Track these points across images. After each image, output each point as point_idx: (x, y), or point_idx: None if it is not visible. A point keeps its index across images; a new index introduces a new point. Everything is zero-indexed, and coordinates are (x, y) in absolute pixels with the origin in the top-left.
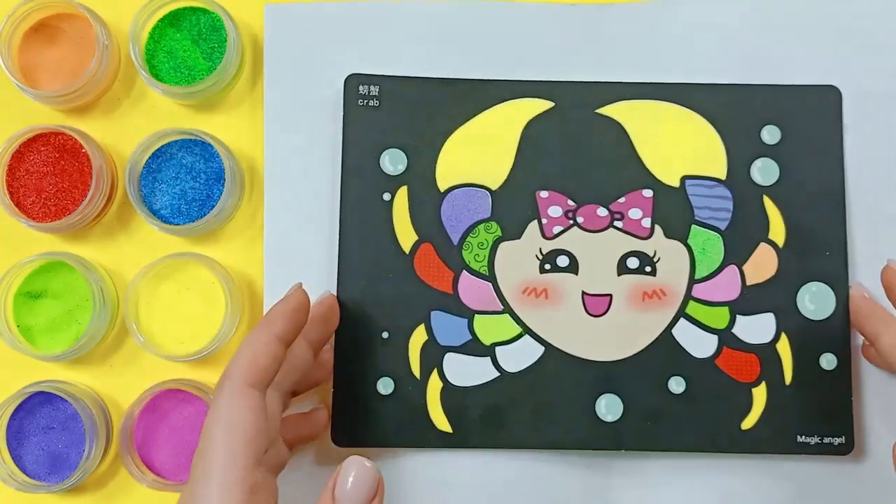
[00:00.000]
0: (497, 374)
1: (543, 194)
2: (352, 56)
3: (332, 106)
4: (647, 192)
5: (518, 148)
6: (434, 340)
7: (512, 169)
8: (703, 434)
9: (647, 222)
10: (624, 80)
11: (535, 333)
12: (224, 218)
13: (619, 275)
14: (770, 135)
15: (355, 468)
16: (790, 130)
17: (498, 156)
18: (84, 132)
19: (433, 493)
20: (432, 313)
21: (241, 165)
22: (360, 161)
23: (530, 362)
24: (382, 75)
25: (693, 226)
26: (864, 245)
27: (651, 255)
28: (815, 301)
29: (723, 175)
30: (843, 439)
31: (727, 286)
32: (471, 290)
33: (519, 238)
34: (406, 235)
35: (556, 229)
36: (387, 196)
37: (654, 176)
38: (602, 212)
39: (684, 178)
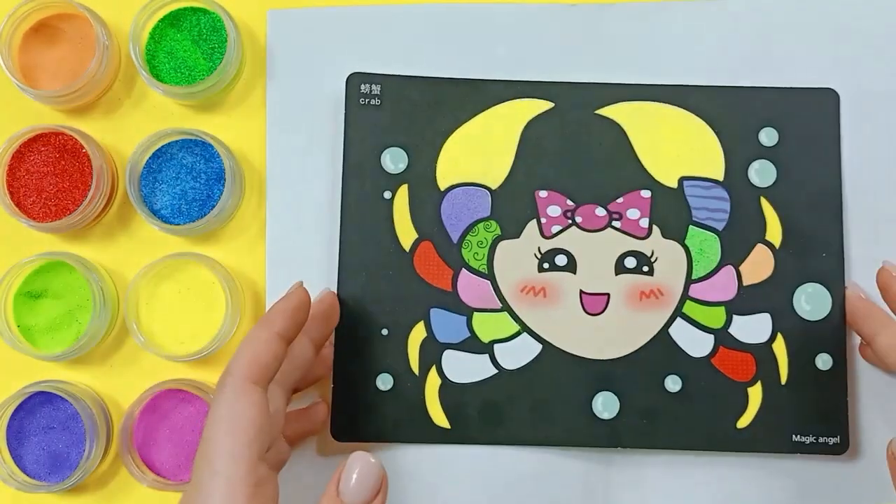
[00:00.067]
0: (495, 371)
1: (543, 194)
2: (353, 57)
3: (334, 106)
4: (646, 193)
5: (518, 148)
6: (433, 337)
7: (512, 168)
8: (698, 432)
9: (644, 222)
10: (623, 82)
11: (533, 331)
12: (224, 218)
13: (616, 274)
14: (768, 137)
15: (359, 464)
16: (788, 133)
17: (498, 155)
18: (84, 132)
19: (432, 488)
20: (432, 311)
21: (242, 165)
22: (361, 159)
23: (528, 360)
24: (384, 74)
25: (690, 226)
26: (861, 246)
27: (649, 254)
28: (811, 302)
29: (720, 176)
30: (837, 439)
31: (724, 286)
32: (470, 288)
33: (518, 237)
34: (406, 233)
35: (555, 229)
36: (387, 194)
37: (652, 177)
38: (600, 212)
39: (682, 179)
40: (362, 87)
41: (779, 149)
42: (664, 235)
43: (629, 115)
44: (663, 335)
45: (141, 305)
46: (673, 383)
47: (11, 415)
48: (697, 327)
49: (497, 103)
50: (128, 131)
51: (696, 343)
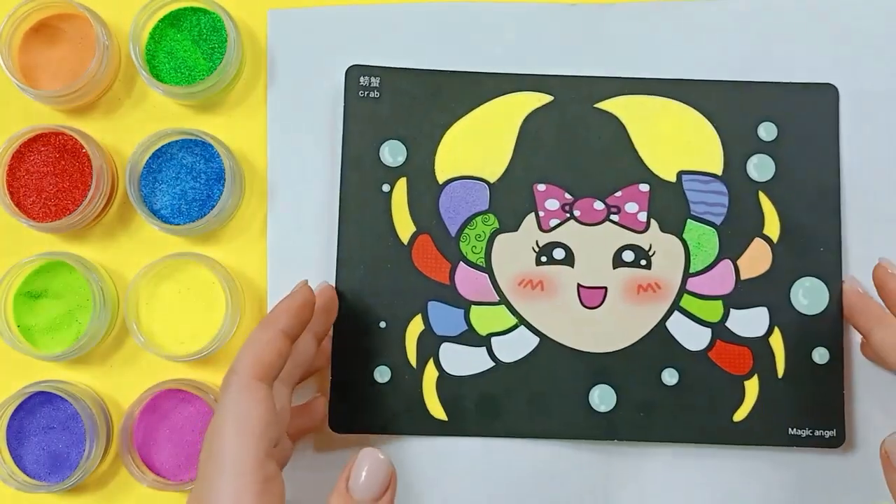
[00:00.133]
0: (492, 364)
1: (541, 187)
2: (354, 57)
3: (334, 104)
4: (644, 187)
5: (516, 141)
6: (431, 330)
7: (510, 162)
8: (695, 426)
9: (643, 216)
10: (621, 74)
11: (530, 325)
12: (224, 218)
13: (614, 268)
14: (766, 131)
15: (369, 461)
16: (787, 127)
17: (496, 149)
18: (84, 132)
19: (430, 480)
20: (429, 304)
21: (242, 165)
22: (360, 152)
23: (525, 353)
24: (383, 67)
25: (689, 220)
26: (859, 241)
27: (646, 248)
28: (808, 296)
29: (719, 170)
30: (833, 432)
31: (721, 280)
32: (467, 281)
33: (516, 230)
34: (404, 227)
35: (553, 222)
36: (386, 187)
37: (650, 170)
38: (598, 205)
39: (681, 174)
40: (361, 79)
41: (778, 143)
42: (662, 229)
43: (628, 109)
44: (660, 329)
45: (141, 305)
46: (670, 376)
47: (11, 415)
48: (695, 321)
49: (496, 96)
50: (128, 131)
51: (693, 336)
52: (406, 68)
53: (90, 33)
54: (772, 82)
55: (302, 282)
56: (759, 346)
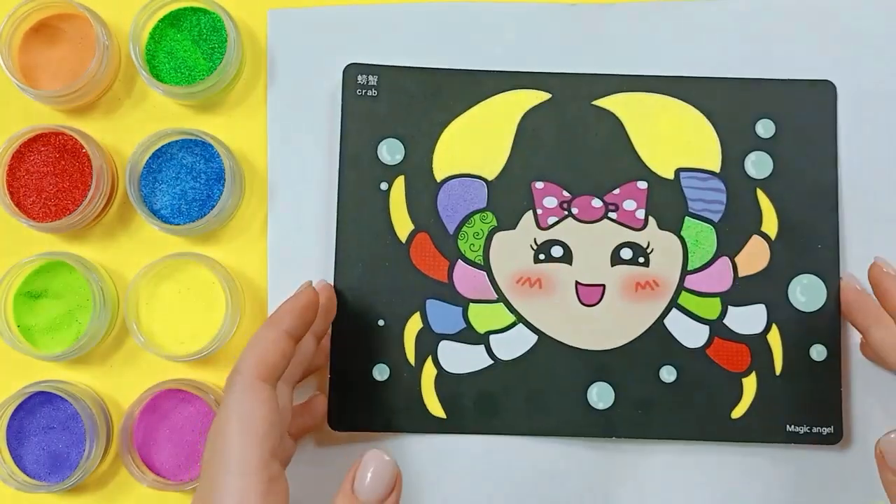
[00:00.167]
0: (490, 361)
1: (539, 185)
2: (354, 57)
3: (334, 104)
4: (642, 184)
5: (514, 139)
6: (429, 328)
7: (508, 160)
8: (693, 423)
9: (641, 214)
10: (621, 73)
11: (528, 322)
12: (224, 218)
13: (612, 265)
14: (764, 128)
15: (374, 462)
16: (784, 124)
17: (494, 146)
18: (84, 132)
19: (429, 478)
20: (427, 302)
21: (242, 165)
22: (358, 151)
23: (523, 350)
24: (381, 65)
25: (686, 217)
26: (857, 238)
27: (644, 246)
28: (806, 293)
29: (717, 168)
30: (831, 429)
31: (719, 277)
32: (466, 279)
33: (514, 228)
34: (402, 225)
35: (551, 220)
36: (384, 186)
37: (648, 168)
38: (597, 203)
39: (679, 171)
40: (359, 77)
41: (775, 141)
42: (660, 227)
43: (626, 107)
44: (658, 326)
45: (141, 305)
46: (668, 374)
47: (11, 415)
48: (692, 318)
49: (494, 94)
50: (128, 131)
51: (691, 334)
52: (403, 66)
53: (90, 33)
54: (769, 79)
55: (306, 283)
56: (757, 344)
